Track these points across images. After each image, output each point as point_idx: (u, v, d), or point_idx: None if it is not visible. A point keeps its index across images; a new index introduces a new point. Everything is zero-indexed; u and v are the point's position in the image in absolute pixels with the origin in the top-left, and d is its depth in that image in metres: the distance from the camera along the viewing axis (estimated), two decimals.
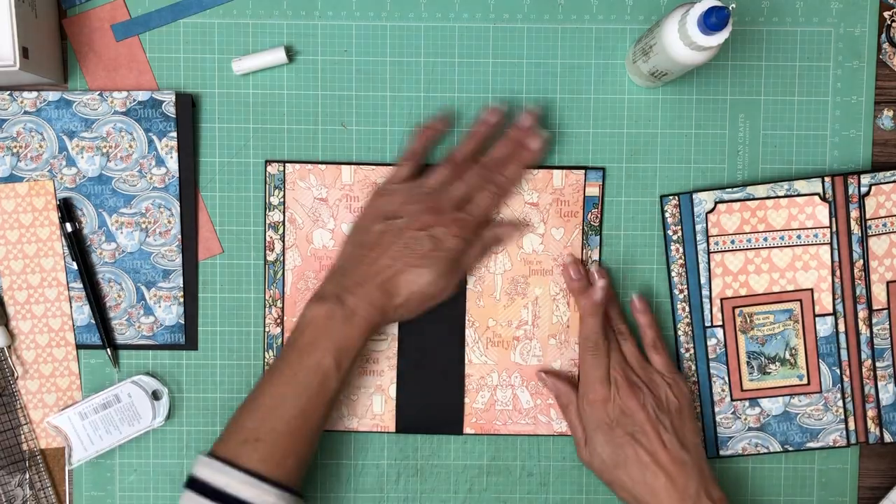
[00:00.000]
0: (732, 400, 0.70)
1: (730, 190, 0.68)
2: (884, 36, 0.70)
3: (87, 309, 0.69)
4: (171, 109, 0.68)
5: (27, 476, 0.69)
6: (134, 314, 0.69)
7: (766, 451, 0.70)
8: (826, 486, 0.71)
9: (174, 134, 0.68)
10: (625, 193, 0.70)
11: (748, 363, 0.69)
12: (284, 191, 0.68)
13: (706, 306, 0.69)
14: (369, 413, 0.69)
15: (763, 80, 0.70)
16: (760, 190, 0.68)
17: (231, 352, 0.70)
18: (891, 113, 0.70)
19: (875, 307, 0.69)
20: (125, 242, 0.69)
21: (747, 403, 0.70)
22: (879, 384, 0.69)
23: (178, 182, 0.69)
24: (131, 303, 0.69)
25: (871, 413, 0.69)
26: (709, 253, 0.69)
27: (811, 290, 0.69)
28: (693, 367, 0.69)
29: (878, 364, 0.69)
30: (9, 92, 0.68)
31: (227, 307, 0.70)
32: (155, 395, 0.70)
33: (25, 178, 0.68)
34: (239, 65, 0.68)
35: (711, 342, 0.69)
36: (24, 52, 0.62)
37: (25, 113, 0.68)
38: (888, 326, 0.69)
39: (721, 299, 0.69)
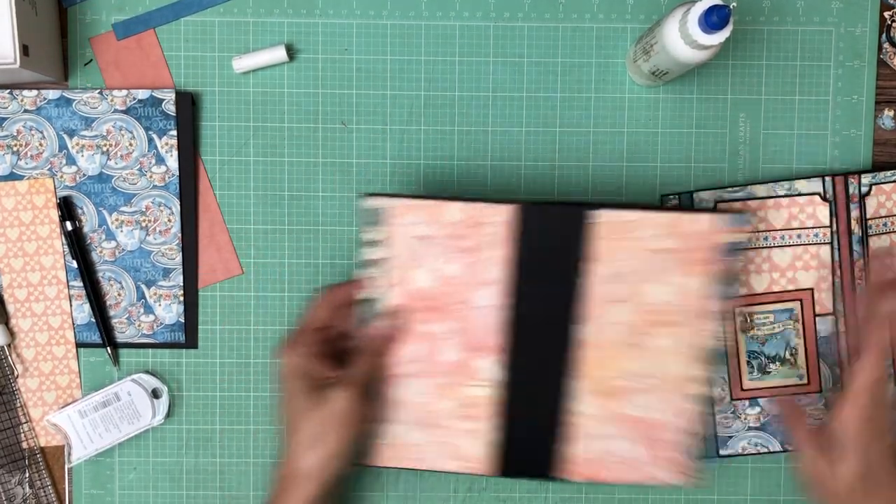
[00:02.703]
0: (732, 399, 0.69)
1: (730, 189, 0.68)
2: (884, 36, 0.70)
3: (87, 307, 0.69)
4: (171, 108, 0.68)
5: (27, 474, 0.69)
6: (134, 312, 0.69)
7: (766, 450, 0.70)
8: None
9: (174, 132, 0.68)
10: (625, 193, 0.70)
11: (748, 363, 0.69)
12: (385, 226, 0.63)
13: None
14: (468, 456, 0.65)
15: (764, 79, 0.70)
16: (761, 189, 0.68)
17: (231, 350, 0.70)
18: (891, 112, 0.70)
19: None
20: (125, 241, 0.69)
21: (747, 403, 0.69)
22: None
23: (178, 180, 0.69)
24: (131, 301, 0.69)
25: None
26: None
27: (811, 289, 0.69)
28: None
29: None
30: (9, 90, 0.68)
31: (227, 305, 0.70)
32: (155, 394, 0.70)
33: (25, 176, 0.68)
34: (239, 63, 0.68)
35: None
36: (25, 50, 0.62)
37: (25, 111, 0.68)
38: None
39: None
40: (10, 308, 0.69)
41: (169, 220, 0.69)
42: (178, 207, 0.69)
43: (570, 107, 0.70)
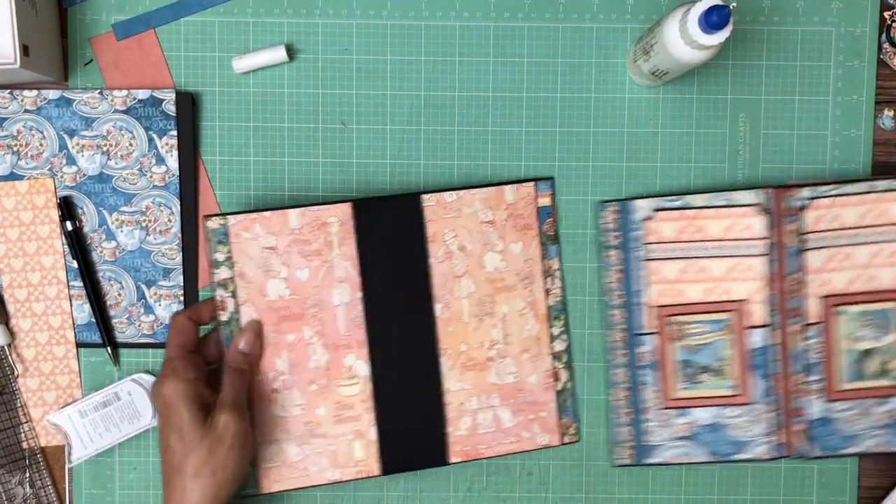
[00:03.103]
0: (662, 408, 0.69)
1: (669, 198, 0.68)
2: (884, 36, 0.70)
3: (87, 307, 0.69)
4: (171, 108, 0.68)
5: (27, 474, 0.69)
6: (134, 312, 0.69)
7: (693, 460, 0.69)
8: (826, 486, 0.71)
9: (174, 132, 0.68)
10: (625, 192, 0.70)
11: (679, 372, 0.69)
12: (230, 245, 0.64)
13: (641, 313, 0.68)
14: (351, 460, 0.67)
15: (763, 79, 0.70)
16: (699, 199, 0.68)
17: None
18: (891, 112, 0.70)
19: (809, 321, 0.68)
20: (125, 241, 0.69)
21: (677, 412, 0.69)
22: (809, 398, 0.68)
23: (178, 180, 0.69)
24: (131, 301, 0.69)
25: (800, 427, 0.69)
26: (645, 260, 0.68)
27: (745, 301, 0.68)
28: (625, 374, 0.69)
29: (808, 378, 0.68)
30: (9, 90, 0.68)
31: None
32: None
33: (26, 176, 0.68)
34: (239, 63, 0.68)
35: (644, 349, 0.69)
36: (25, 50, 0.62)
37: (26, 111, 0.68)
38: (821, 341, 0.68)
39: (656, 307, 0.68)
40: (10, 308, 0.69)
41: (169, 220, 0.69)
42: (178, 207, 0.69)
43: (570, 107, 0.70)
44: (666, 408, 0.69)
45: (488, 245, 0.68)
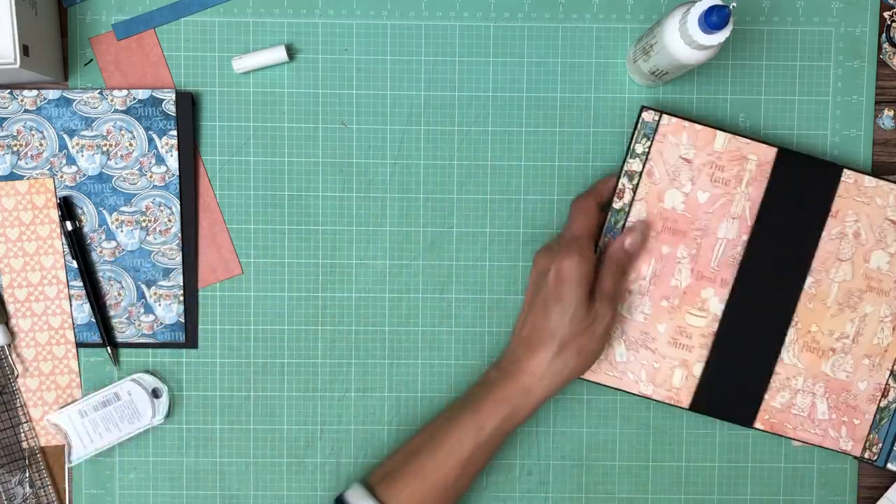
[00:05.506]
0: None
1: None
2: (884, 36, 0.70)
3: (87, 307, 0.69)
4: (171, 108, 0.68)
5: (27, 474, 0.69)
6: (134, 312, 0.69)
7: None
8: (826, 486, 0.71)
9: (174, 132, 0.68)
10: None
11: None
12: (652, 141, 0.66)
13: None
14: (667, 384, 0.68)
15: (763, 79, 0.70)
16: None
17: (231, 350, 0.70)
18: (891, 112, 0.70)
19: None
20: (125, 241, 0.69)
21: None
22: None
23: (178, 180, 0.69)
24: (131, 301, 0.69)
25: None
26: None
27: None
28: None
29: None
30: (9, 90, 0.68)
31: (227, 305, 0.70)
32: (155, 394, 0.70)
33: (25, 176, 0.68)
34: (239, 63, 0.68)
35: None
36: (25, 50, 0.62)
37: (26, 111, 0.68)
38: None
39: None
40: (10, 308, 0.69)
41: (169, 220, 0.69)
42: (178, 207, 0.69)
43: (570, 107, 0.70)
44: None
45: (881, 243, 0.67)
